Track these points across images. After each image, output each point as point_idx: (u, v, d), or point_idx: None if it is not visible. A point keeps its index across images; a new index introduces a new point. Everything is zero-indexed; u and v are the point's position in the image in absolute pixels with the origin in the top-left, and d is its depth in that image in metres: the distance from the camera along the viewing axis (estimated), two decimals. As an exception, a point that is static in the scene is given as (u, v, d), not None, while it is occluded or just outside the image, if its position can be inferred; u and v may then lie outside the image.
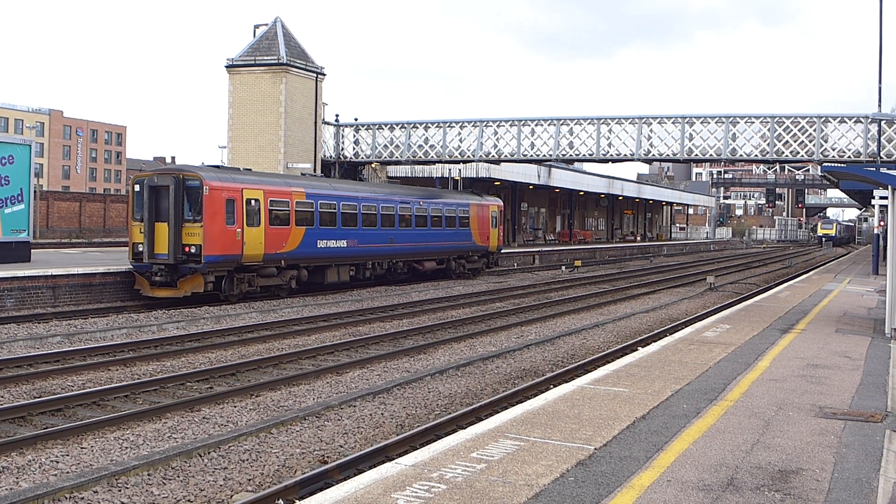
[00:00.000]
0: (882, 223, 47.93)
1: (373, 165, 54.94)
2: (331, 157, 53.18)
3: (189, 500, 10.23)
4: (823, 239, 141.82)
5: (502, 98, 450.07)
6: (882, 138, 42.56)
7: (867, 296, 32.70)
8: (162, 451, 11.70)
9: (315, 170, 49.46)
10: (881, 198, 32.81)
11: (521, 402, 13.21)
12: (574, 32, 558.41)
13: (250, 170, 35.56)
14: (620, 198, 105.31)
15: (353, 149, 53.52)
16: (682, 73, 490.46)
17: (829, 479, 8.87)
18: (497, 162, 54.83)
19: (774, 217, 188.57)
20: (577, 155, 49.09)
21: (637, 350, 19.06)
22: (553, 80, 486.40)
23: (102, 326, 23.77)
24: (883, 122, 42.29)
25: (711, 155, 47.01)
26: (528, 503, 7.88)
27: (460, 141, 50.94)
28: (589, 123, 48.24)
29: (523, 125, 49.37)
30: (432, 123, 51.52)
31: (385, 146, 52.60)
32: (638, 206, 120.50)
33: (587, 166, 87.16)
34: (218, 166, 33.17)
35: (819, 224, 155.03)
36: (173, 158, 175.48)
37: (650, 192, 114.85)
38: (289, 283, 32.73)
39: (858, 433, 10.79)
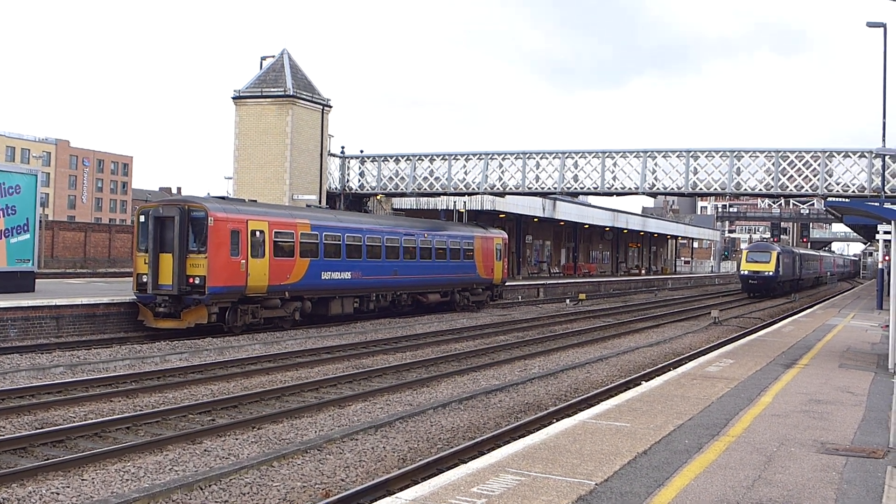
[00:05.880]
0: (886, 258, 47.93)
1: (378, 197, 55.11)
2: (336, 188, 53.37)
3: (189, 533, 10.20)
4: (749, 281, 73.88)
5: (511, 129, 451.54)
6: (886, 173, 42.63)
7: (871, 331, 32.62)
8: (163, 483, 11.68)
9: (320, 201, 49.63)
10: (885, 232, 32.79)
11: (523, 437, 13.18)
12: (587, 63, 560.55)
13: (255, 201, 35.69)
14: (625, 231, 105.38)
15: (359, 180, 53.72)
16: (691, 105, 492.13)
17: (831, 516, 8.84)
18: (502, 194, 55.01)
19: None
20: (581, 188, 49.26)
21: (640, 384, 19.02)
22: (564, 110, 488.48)
23: (105, 357, 23.78)
24: (887, 157, 42.36)
25: (716, 189, 47.13)
26: (527, 539, 7.85)
27: (465, 173, 51.13)
28: (594, 157, 48.40)
29: (528, 158, 49.55)
30: (437, 156, 51.73)
31: (390, 178, 52.78)
32: (643, 239, 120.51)
33: (592, 199, 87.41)
34: (223, 197, 33.29)
35: (744, 253, 77.70)
36: (179, 189, 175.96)
37: (655, 226, 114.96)
38: (293, 314, 32.73)
39: (860, 469, 10.75)
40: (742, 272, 75.18)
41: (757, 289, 72.94)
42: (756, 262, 72.62)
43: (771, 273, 71.64)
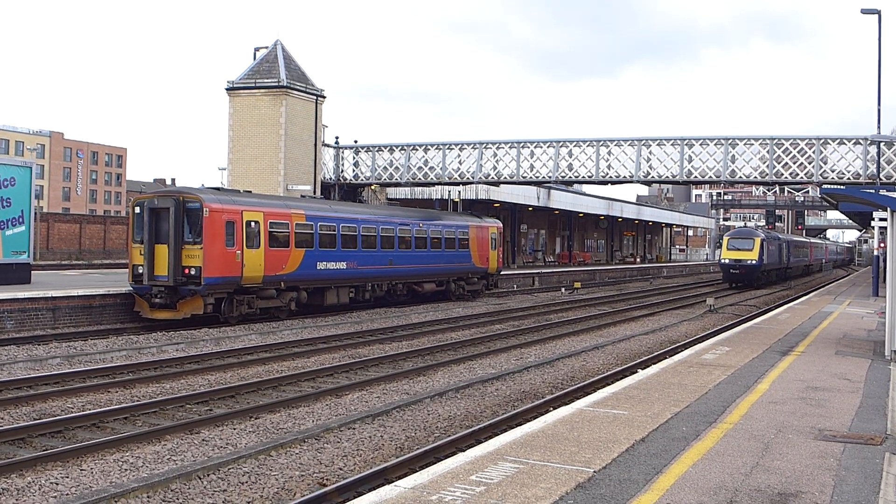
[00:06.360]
0: (882, 245, 48.02)
1: (372, 187, 55.09)
2: (330, 179, 53.32)
3: (188, 523, 10.21)
4: (730, 270, 67.44)
5: (505, 119, 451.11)
6: (881, 160, 42.68)
7: (867, 318, 32.68)
8: (161, 473, 11.70)
9: (315, 192, 49.57)
10: (880, 219, 32.80)
11: (521, 425, 13.20)
12: (580, 52, 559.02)
13: (250, 192, 35.63)
14: (620, 219, 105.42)
15: (353, 171, 53.67)
16: (685, 93, 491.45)
17: (829, 502, 8.87)
18: (496, 184, 54.97)
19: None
20: (576, 177, 49.25)
21: (637, 372, 19.06)
22: (558, 100, 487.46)
23: (102, 348, 23.77)
24: (882, 144, 42.40)
25: (711, 177, 47.14)
26: (527, 526, 7.87)
27: (460, 163, 51.10)
28: (588, 145, 48.38)
29: (523, 147, 49.52)
30: (432, 145, 51.69)
31: (385, 168, 52.76)
32: (637, 227, 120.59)
33: (586, 188, 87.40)
34: (218, 188, 33.24)
35: (725, 240, 70.10)
36: (173, 180, 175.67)
37: (650, 214, 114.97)
38: (288, 304, 32.72)
39: (858, 456, 10.79)
40: (722, 260, 68.71)
41: (739, 278, 67.11)
42: (738, 249, 66.60)
43: (754, 261, 65.77)
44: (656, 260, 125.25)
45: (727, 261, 67.21)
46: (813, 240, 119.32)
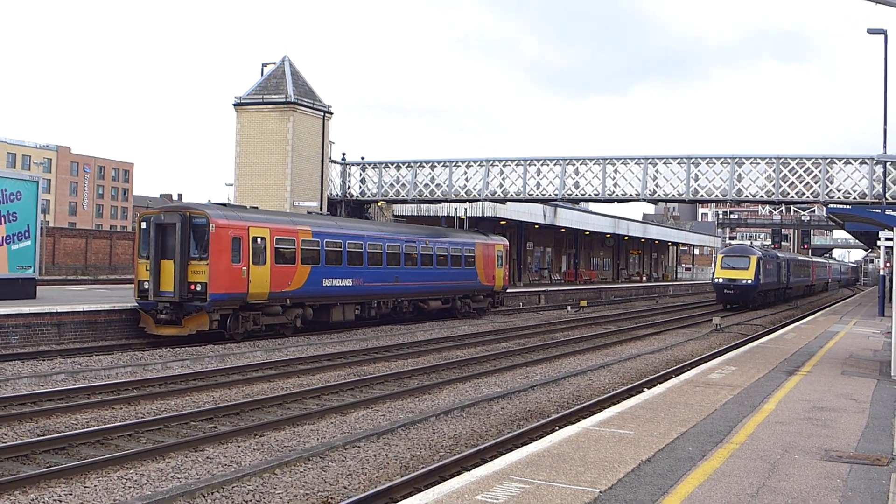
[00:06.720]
0: (888, 264, 47.87)
1: (379, 204, 55.14)
2: (337, 195, 53.39)
3: (192, 541, 10.17)
4: (724, 290, 63.58)
5: (512, 135, 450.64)
6: (887, 179, 42.62)
7: (873, 338, 32.59)
8: (165, 491, 11.65)
9: (321, 208, 49.61)
10: (886, 239, 32.69)
11: (527, 444, 13.16)
12: (589, 70, 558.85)
13: (257, 208, 35.67)
14: (626, 238, 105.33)
15: (360, 187, 53.75)
16: (693, 111, 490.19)
17: (836, 524, 8.82)
18: (503, 201, 55.04)
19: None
20: (582, 194, 49.28)
21: (643, 392, 18.99)
22: (566, 117, 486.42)
23: (107, 364, 23.75)
24: (888, 164, 42.35)
25: (717, 196, 47.15)
26: (532, 547, 7.82)
27: (466, 180, 51.16)
28: (595, 163, 48.42)
29: (529, 165, 49.56)
30: (438, 162, 51.77)
31: (391, 185, 52.83)
32: (644, 246, 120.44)
33: (593, 206, 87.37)
34: (224, 204, 33.27)
35: (719, 258, 66.32)
36: (180, 196, 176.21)
37: (656, 233, 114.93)
38: (294, 321, 32.69)
39: (864, 477, 10.72)
40: (716, 280, 64.33)
41: (733, 299, 63.06)
42: (732, 268, 62.63)
43: (750, 281, 61.85)
44: (662, 278, 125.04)
45: (721, 280, 63.50)
46: (816, 259, 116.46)
